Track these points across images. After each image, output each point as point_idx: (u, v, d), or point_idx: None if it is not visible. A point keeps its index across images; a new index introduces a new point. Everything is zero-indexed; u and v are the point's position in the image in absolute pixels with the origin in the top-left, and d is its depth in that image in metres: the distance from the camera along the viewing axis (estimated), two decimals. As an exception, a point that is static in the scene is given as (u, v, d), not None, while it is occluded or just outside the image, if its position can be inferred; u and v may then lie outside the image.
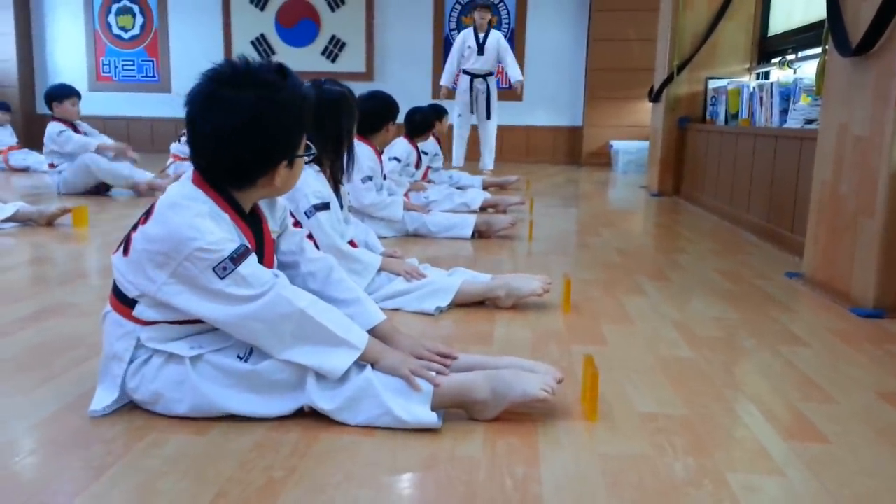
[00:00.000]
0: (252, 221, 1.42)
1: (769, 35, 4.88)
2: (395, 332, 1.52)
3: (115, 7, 9.25)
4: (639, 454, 1.25)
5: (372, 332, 1.45)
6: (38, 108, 9.35)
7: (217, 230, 1.28)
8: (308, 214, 2.08)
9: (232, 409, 1.33)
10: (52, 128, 4.74)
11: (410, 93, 8.83)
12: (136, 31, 9.27)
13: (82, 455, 1.21)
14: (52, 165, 4.84)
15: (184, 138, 6.12)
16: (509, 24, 8.50)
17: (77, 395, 1.45)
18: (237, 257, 1.27)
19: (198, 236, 1.26)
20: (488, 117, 6.62)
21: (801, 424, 1.40)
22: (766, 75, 4.84)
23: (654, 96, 5.49)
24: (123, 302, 1.35)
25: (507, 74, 6.68)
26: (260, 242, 1.42)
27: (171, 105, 9.10)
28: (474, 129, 6.85)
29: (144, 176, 4.82)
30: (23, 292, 2.36)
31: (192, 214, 1.28)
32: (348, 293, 1.54)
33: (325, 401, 1.31)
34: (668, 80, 5.24)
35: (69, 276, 2.57)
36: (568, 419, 1.38)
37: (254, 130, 1.29)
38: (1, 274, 2.64)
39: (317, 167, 2.17)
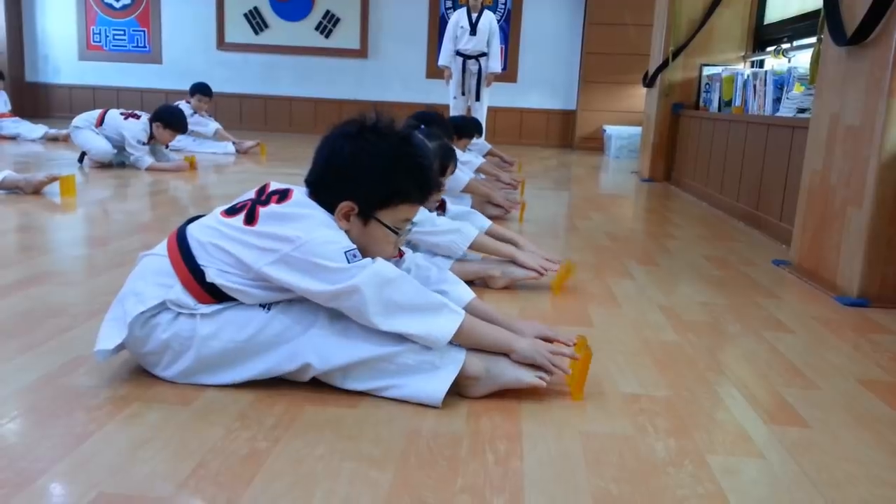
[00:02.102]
0: None
1: (765, 23, 4.87)
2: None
3: (106, -25, 9.11)
4: (620, 434, 1.26)
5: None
6: (26, 76, 9.22)
7: (346, 242, 1.34)
8: None
9: (232, 368, 1.34)
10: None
11: (405, 71, 8.79)
12: (127, 0, 9.13)
13: (65, 422, 1.21)
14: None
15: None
16: (506, 5, 8.43)
17: (60, 364, 1.44)
18: (357, 253, 1.33)
19: (328, 229, 1.33)
20: (477, 98, 6.58)
21: (782, 409, 1.41)
22: (761, 63, 4.84)
23: (649, 82, 5.48)
24: (188, 265, 1.35)
25: (486, 59, 6.54)
26: None
27: (161, 76, 9.00)
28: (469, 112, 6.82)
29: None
30: (6, 259, 2.34)
31: (328, 218, 1.36)
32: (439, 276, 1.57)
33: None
34: (663, 66, 5.23)
35: (54, 244, 2.55)
36: (552, 398, 1.39)
37: (378, 168, 1.36)
38: (-15, 241, 2.62)
39: None
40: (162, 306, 1.35)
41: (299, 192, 1.40)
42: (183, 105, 6.07)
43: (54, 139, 6.41)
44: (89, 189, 3.77)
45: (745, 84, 4.23)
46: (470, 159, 4.13)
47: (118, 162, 4.74)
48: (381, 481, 1.07)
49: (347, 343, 1.32)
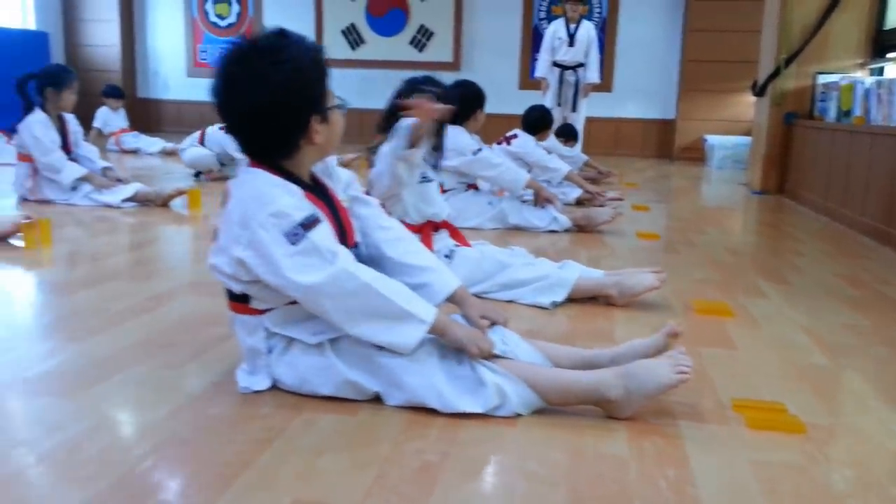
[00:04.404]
0: (318, 192, 1.43)
1: (885, 28, 4.62)
2: (467, 297, 1.51)
3: (213, -5, 9.56)
4: (791, 463, 1.22)
5: (450, 298, 1.48)
6: (138, 92, 9.79)
7: (287, 198, 1.31)
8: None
9: (373, 388, 1.37)
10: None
11: (498, 83, 8.80)
12: (232, 18, 9.56)
13: (243, 429, 1.28)
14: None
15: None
16: (601, 13, 8.34)
17: (224, 372, 1.52)
18: (308, 224, 1.29)
19: (269, 202, 1.29)
20: (574, 109, 6.50)
21: (960, 442, 1.33)
22: (881, 71, 4.59)
23: (759, 90, 5.29)
24: (237, 300, 1.41)
25: (584, 70, 6.45)
26: (334, 211, 1.44)
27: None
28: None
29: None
30: (153, 270, 2.49)
31: (263, 183, 1.33)
32: (423, 260, 1.53)
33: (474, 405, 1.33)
34: (775, 74, 5.04)
35: (192, 255, 2.70)
36: (709, 422, 1.36)
37: (273, 99, 1.30)
38: (128, 252, 2.80)
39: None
40: (278, 340, 1.41)
41: (234, 181, 1.39)
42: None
43: (171, 153, 6.78)
44: (213, 202, 3.95)
45: (867, 93, 4.03)
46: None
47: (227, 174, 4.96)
48: (557, 502, 1.07)
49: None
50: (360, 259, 1.38)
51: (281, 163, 1.38)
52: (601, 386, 1.32)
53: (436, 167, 2.38)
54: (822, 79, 4.82)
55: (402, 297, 1.33)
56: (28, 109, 3.72)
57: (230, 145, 4.78)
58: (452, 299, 1.49)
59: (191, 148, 4.96)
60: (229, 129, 1.37)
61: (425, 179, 2.28)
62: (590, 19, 7.33)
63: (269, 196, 1.30)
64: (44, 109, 3.73)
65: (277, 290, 1.33)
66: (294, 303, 1.36)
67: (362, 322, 1.31)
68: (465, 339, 1.35)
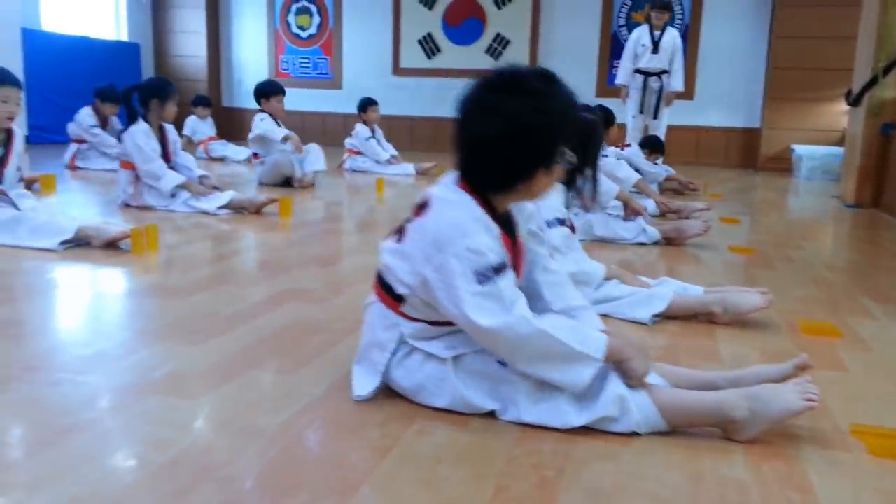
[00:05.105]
0: (508, 227, 1.46)
1: None
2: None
3: (294, 7, 9.83)
4: (924, 494, 1.18)
5: None
6: (223, 101, 10.16)
7: (486, 238, 1.34)
8: (549, 225, 2.11)
9: (487, 406, 1.39)
10: (258, 115, 5.14)
11: (574, 90, 8.75)
12: (312, 30, 9.82)
13: (362, 436, 1.32)
14: (255, 156, 5.26)
15: (357, 132, 6.44)
16: (683, 19, 8.19)
17: (337, 378, 1.58)
18: (499, 269, 1.32)
19: (468, 234, 1.32)
20: (656, 117, 6.40)
21: None
22: None
23: (854, 100, 5.09)
24: (391, 295, 1.44)
25: (668, 77, 6.33)
26: (513, 246, 1.47)
27: (340, 101, 9.58)
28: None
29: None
30: (253, 277, 2.59)
31: (468, 216, 1.34)
32: (579, 301, 1.57)
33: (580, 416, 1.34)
34: (871, 83, 4.83)
35: (291, 262, 2.79)
36: (829, 448, 1.33)
37: (521, 138, 1.32)
38: (229, 258, 2.92)
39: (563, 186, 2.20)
40: (405, 346, 1.44)
41: (439, 192, 1.39)
42: (360, 127, 6.42)
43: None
44: (303, 210, 4.08)
45: (977, 102, 3.82)
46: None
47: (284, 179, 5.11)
48: (682, 523, 1.07)
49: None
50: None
51: (489, 194, 1.40)
52: (725, 405, 1.31)
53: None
54: (925, 87, 4.59)
55: (575, 337, 1.33)
56: (131, 119, 3.93)
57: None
58: None
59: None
60: (459, 143, 1.39)
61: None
62: (672, 25, 7.20)
63: (469, 229, 1.32)
64: (146, 119, 3.92)
65: (437, 309, 1.36)
66: (440, 323, 1.40)
67: (535, 363, 1.33)
68: (639, 367, 1.35)
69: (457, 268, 1.31)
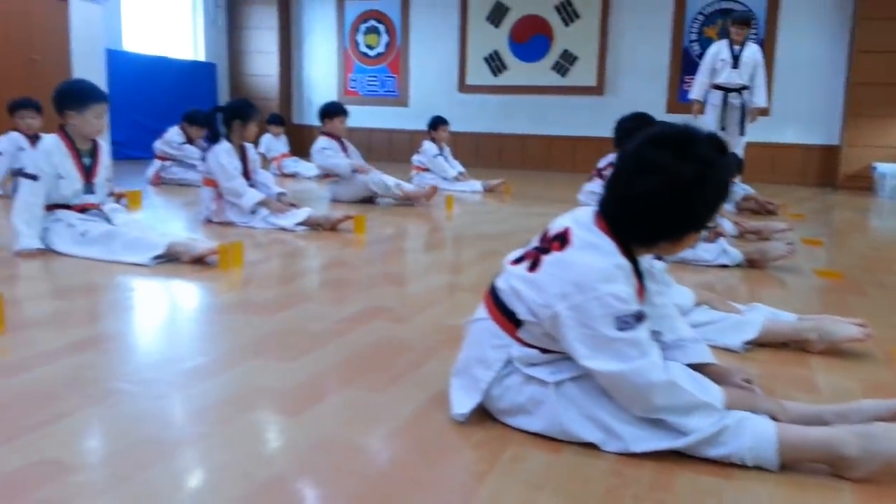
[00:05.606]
0: (640, 275, 1.44)
1: None
2: (720, 368, 1.55)
3: (363, 27, 10.05)
4: None
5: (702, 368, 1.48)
6: (293, 119, 10.44)
7: (627, 285, 1.35)
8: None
9: (585, 437, 1.38)
10: (319, 143, 5.25)
11: (643, 108, 8.54)
12: (380, 49, 10.01)
13: (458, 458, 1.33)
14: (327, 175, 5.38)
15: (425, 149, 6.49)
16: (758, 34, 7.99)
17: (427, 398, 1.59)
18: (640, 317, 1.33)
19: (612, 280, 1.32)
20: (741, 133, 6.20)
21: None
22: None
23: (945, 116, 4.86)
24: (508, 318, 1.44)
25: (749, 93, 6.17)
26: (642, 292, 1.47)
27: (406, 118, 9.72)
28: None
29: (408, 187, 5.23)
30: (337, 293, 2.64)
31: (611, 263, 1.34)
32: (689, 333, 1.57)
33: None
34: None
35: (369, 279, 2.83)
36: (947, 489, 1.26)
37: (685, 202, 1.33)
38: (312, 274, 2.99)
39: None
40: (509, 366, 1.44)
41: (580, 232, 1.38)
42: (428, 144, 6.48)
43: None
44: (376, 227, 4.14)
45: None
46: None
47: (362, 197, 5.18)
48: (796, 564, 1.04)
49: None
50: None
51: (632, 243, 1.39)
52: (835, 441, 1.27)
53: None
54: None
55: (699, 386, 1.34)
56: (214, 139, 4.08)
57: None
58: (705, 371, 1.49)
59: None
60: (614, 190, 1.38)
61: None
62: (747, 39, 7.03)
63: (613, 275, 1.33)
64: (228, 139, 4.07)
65: (556, 342, 1.38)
66: (551, 351, 1.41)
67: (659, 410, 1.32)
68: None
69: (598, 311, 1.31)
